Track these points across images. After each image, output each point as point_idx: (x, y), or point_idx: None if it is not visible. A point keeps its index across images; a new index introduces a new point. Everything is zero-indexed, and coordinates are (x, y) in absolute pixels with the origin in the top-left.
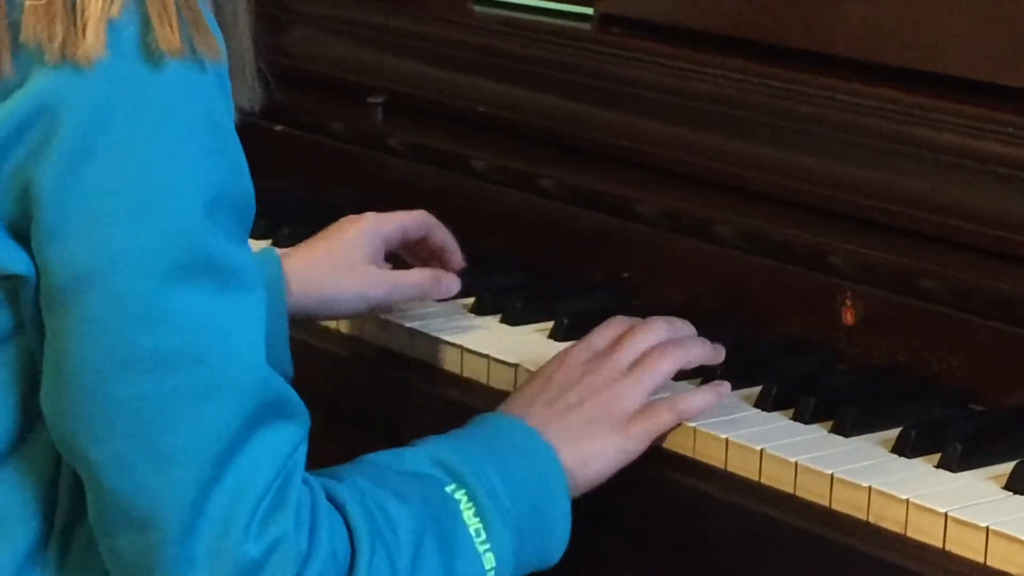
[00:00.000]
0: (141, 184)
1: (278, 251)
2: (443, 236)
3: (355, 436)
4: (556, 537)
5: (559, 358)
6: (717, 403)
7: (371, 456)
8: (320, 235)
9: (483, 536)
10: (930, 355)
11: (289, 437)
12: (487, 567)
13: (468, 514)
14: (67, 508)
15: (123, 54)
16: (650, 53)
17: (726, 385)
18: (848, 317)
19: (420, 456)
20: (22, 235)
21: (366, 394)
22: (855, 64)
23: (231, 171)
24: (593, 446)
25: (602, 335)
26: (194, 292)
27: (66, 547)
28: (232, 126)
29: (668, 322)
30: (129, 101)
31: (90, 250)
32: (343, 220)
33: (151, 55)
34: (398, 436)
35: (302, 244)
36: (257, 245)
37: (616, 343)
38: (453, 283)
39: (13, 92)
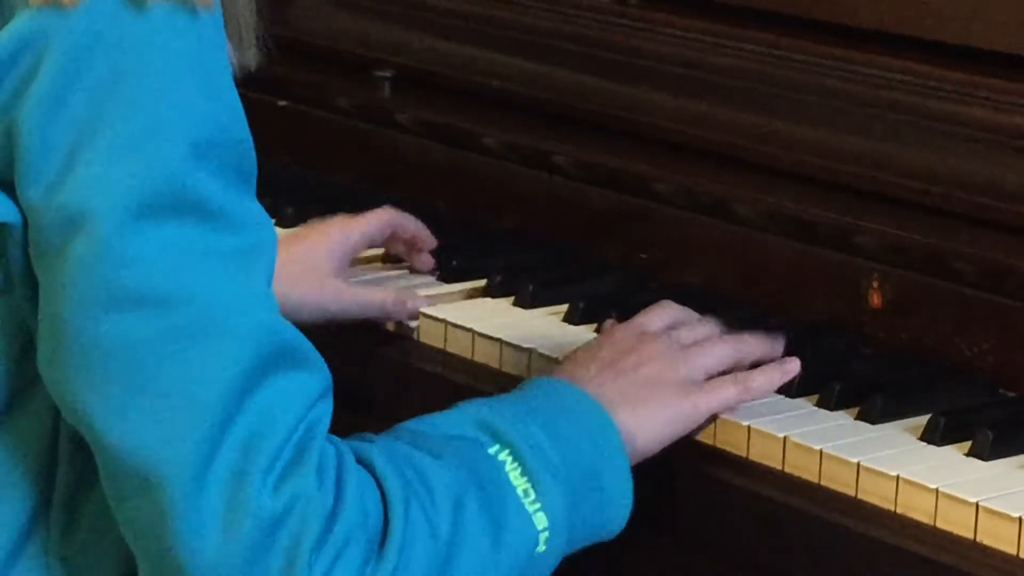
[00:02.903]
0: (123, 121)
1: None
2: (411, 227)
3: (361, 421)
4: (616, 501)
5: (606, 333)
6: (783, 380)
7: (405, 423)
8: (285, 241)
9: (532, 496)
10: (960, 339)
11: (306, 387)
12: (539, 527)
13: (514, 474)
14: (68, 477)
15: None
16: (668, 25)
17: (794, 362)
18: (875, 299)
19: (458, 418)
20: (7, 183)
21: (374, 379)
22: (882, 36)
23: (223, 115)
24: (651, 409)
25: (652, 317)
26: (178, 232)
27: (71, 518)
28: (228, 74)
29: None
30: (112, 39)
31: (70, 189)
32: (308, 227)
33: None
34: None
35: None
36: None
37: (669, 327)
38: (417, 305)
39: None
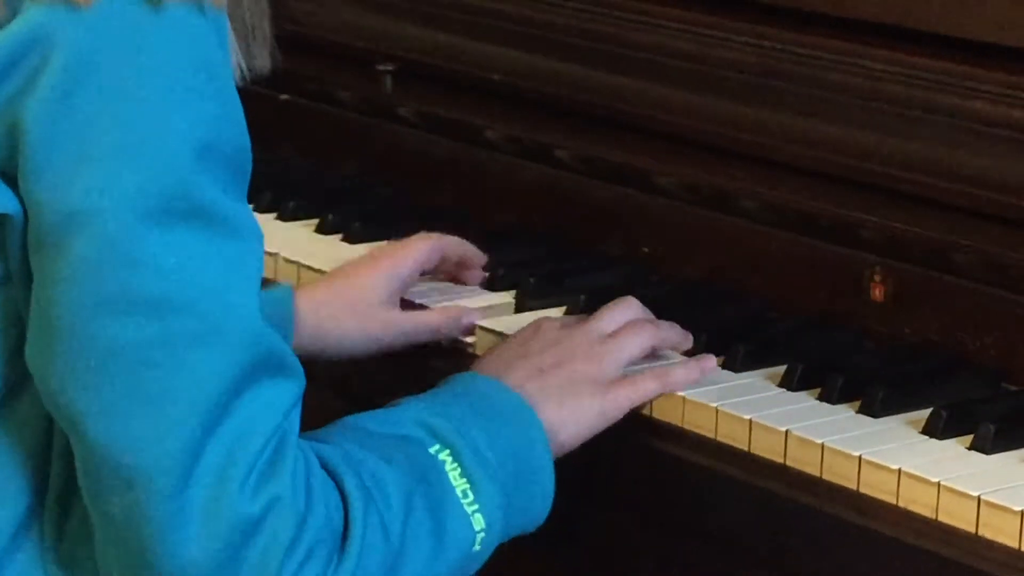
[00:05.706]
0: (130, 122)
1: (291, 287)
2: (460, 249)
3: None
4: (541, 497)
5: (532, 325)
6: (700, 378)
7: (353, 419)
8: (334, 274)
9: (470, 497)
10: (962, 333)
11: (286, 395)
12: (477, 528)
13: (454, 475)
14: (62, 473)
15: None
16: (670, 18)
17: (711, 359)
18: (877, 293)
19: (403, 418)
20: (10, 176)
21: (378, 374)
22: (884, 30)
23: (226, 121)
24: (573, 407)
25: (579, 317)
26: (181, 236)
27: (64, 514)
28: (230, 78)
29: (640, 305)
30: (124, 38)
31: (76, 188)
32: (358, 261)
33: None
34: None
35: (314, 284)
36: (262, 218)
37: (591, 315)
38: (472, 320)
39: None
